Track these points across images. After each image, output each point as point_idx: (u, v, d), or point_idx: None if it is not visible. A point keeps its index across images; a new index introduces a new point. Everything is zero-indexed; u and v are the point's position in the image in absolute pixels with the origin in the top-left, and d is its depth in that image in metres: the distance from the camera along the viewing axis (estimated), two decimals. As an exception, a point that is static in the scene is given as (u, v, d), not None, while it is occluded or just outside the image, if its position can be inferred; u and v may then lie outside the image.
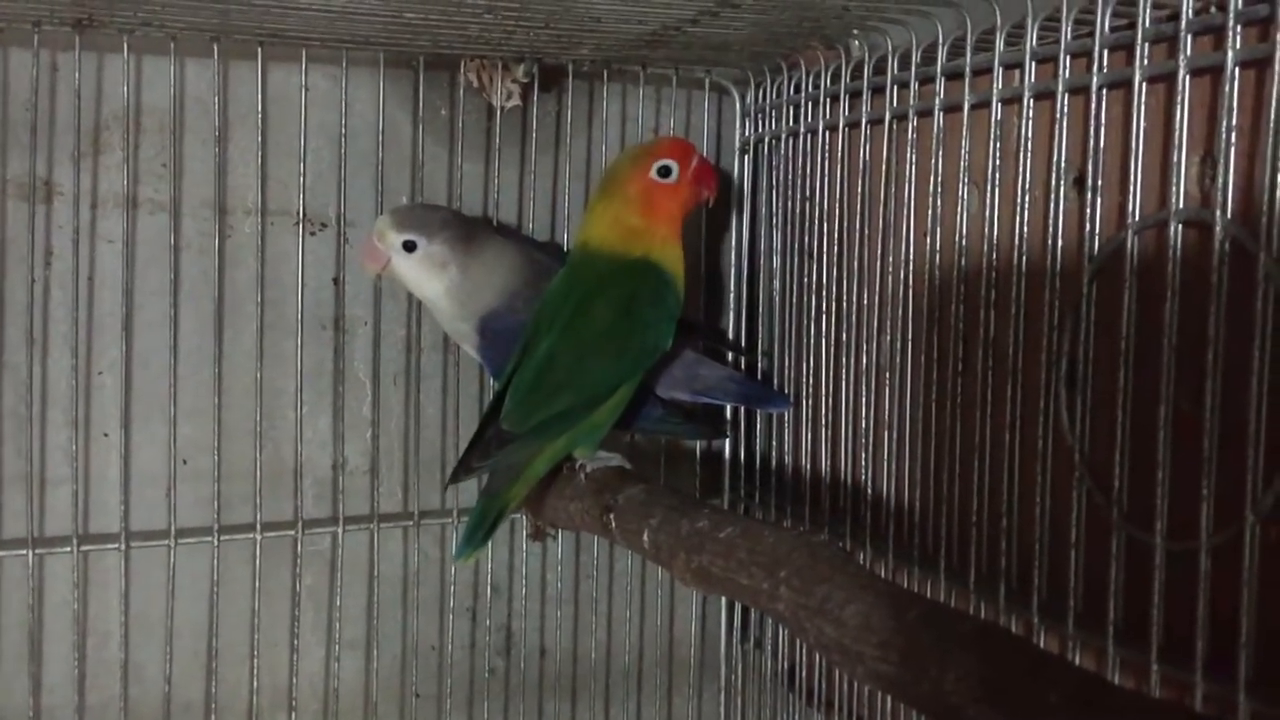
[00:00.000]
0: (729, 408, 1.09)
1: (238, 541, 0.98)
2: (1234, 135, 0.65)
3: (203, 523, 0.97)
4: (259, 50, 0.95)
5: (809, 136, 1.00)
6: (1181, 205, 0.68)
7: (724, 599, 1.14)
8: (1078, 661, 0.73)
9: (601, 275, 0.87)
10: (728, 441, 1.10)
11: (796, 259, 1.02)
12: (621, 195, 0.88)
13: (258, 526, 0.98)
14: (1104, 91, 0.73)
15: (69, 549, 0.93)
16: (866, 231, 0.94)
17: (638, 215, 0.88)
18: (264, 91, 0.96)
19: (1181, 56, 0.67)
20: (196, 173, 0.98)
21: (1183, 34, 0.67)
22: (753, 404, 1.05)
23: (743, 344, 1.10)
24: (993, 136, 0.81)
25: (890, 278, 0.92)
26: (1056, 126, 0.75)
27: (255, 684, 0.98)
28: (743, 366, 1.09)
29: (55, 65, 0.93)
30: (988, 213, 0.81)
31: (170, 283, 0.95)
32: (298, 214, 0.99)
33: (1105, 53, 0.72)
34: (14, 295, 0.94)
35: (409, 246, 0.91)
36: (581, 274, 0.88)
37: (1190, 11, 0.67)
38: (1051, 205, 0.76)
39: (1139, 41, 0.70)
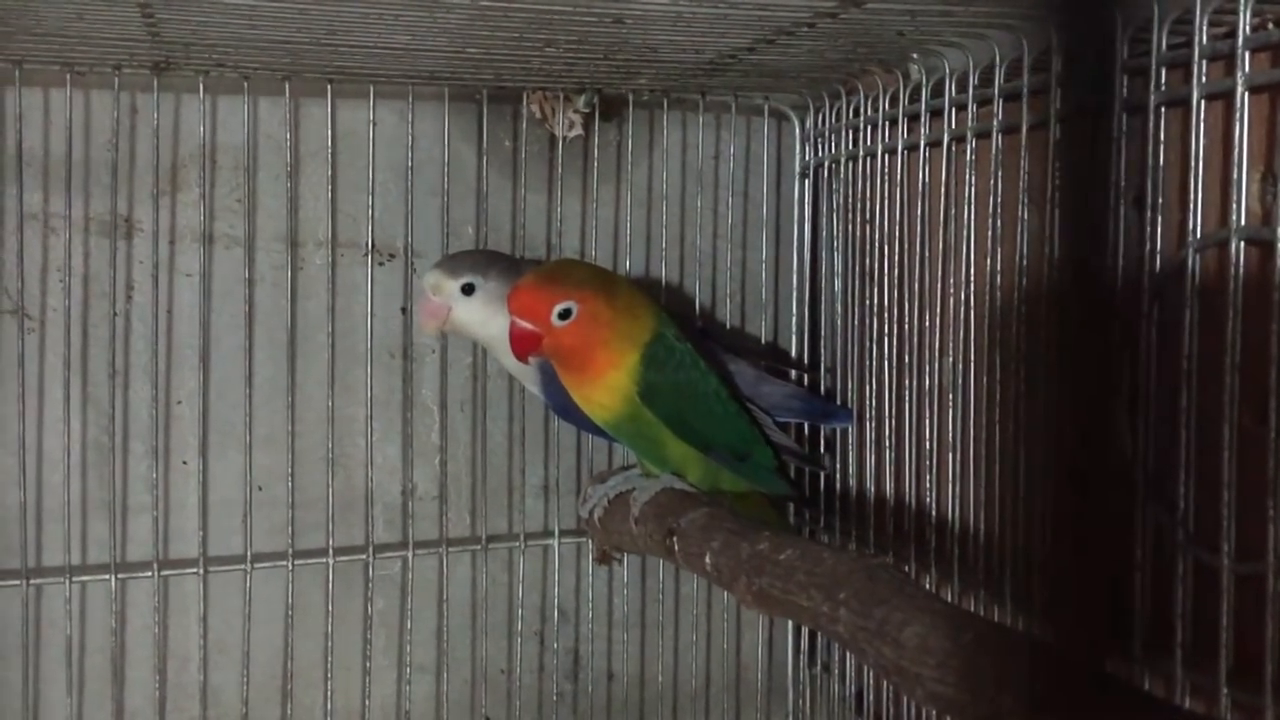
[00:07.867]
0: (792, 427, 1.09)
1: (311, 566, 1.00)
2: (1294, 151, 0.64)
3: (277, 548, 1.00)
4: (328, 88, 0.98)
5: (868, 160, 1.01)
6: (1243, 223, 0.67)
7: (790, 622, 1.14)
8: (1146, 686, 0.72)
9: None
10: (792, 465, 1.11)
11: (858, 282, 1.03)
12: None
13: (330, 551, 1.00)
14: (1163, 110, 0.72)
15: (150, 574, 0.96)
16: (927, 253, 0.94)
17: None
18: (333, 128, 0.99)
19: (1240, 73, 0.67)
20: (269, 208, 1.01)
21: (1240, 51, 0.66)
22: (815, 419, 1.05)
23: (805, 363, 1.10)
24: (1051, 156, 0.80)
25: (951, 299, 0.91)
26: (1115, 145, 0.75)
27: (329, 706, 1.00)
28: (805, 384, 1.09)
29: (135, 107, 0.97)
30: (1047, 232, 0.81)
31: (245, 315, 0.98)
32: (367, 246, 1.01)
33: (1163, 71, 0.72)
34: (96, 329, 0.97)
35: (468, 290, 0.91)
36: None
37: (1247, 28, 0.66)
38: (1112, 225, 0.76)
39: (1196, 59, 0.69)
